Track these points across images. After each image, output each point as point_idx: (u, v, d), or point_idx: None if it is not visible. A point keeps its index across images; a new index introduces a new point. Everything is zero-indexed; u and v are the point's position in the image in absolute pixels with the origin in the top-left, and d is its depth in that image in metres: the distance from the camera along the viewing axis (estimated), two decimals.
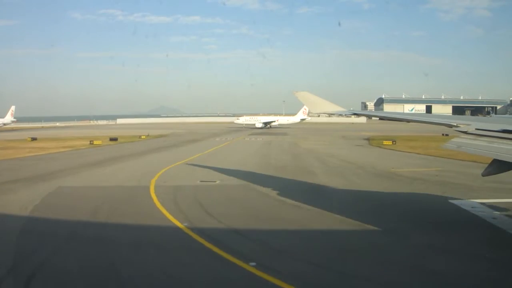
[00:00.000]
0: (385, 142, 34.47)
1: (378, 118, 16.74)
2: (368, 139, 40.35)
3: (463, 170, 18.52)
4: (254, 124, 61.71)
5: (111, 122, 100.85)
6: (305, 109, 68.71)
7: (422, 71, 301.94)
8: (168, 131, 57.85)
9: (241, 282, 6.62)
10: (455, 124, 8.24)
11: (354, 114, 15.96)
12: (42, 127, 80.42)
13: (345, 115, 15.40)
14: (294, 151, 29.95)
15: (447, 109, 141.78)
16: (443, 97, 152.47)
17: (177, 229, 9.32)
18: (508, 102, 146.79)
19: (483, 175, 7.61)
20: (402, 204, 12.39)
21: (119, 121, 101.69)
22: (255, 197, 13.22)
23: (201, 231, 9.04)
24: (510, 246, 8.33)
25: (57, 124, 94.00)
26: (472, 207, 11.15)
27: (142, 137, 46.81)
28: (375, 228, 9.43)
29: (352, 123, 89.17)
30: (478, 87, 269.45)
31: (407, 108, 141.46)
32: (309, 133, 51.81)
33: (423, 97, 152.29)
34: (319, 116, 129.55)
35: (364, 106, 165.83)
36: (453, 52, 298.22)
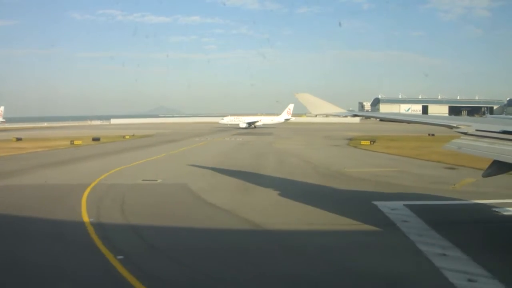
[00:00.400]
0: (362, 142, 34.72)
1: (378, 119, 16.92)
2: (350, 139, 40.59)
3: (417, 171, 18.89)
4: (238, 124, 62.20)
5: (105, 122, 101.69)
6: (289, 110, 69.19)
7: (422, 71, 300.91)
8: (156, 131, 58.59)
9: (97, 271, 7.15)
10: (455, 125, 8.23)
11: (355, 115, 15.99)
12: (35, 127, 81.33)
13: (345, 115, 15.51)
14: (263, 151, 30.45)
15: (444, 109, 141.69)
16: (439, 97, 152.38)
17: (80, 223, 9.92)
18: (505, 102, 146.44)
19: (484, 176, 7.54)
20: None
21: (113, 121, 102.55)
22: (182, 195, 13.72)
23: (99, 226, 9.63)
24: (372, 247, 8.43)
25: (46, 124, 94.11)
26: (392, 209, 11.13)
27: (126, 137, 47.44)
28: (271, 229, 9.77)
29: (347, 123, 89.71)
30: (477, 87, 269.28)
31: (403, 108, 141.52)
32: (294, 133, 52.31)
33: (420, 97, 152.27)
34: (316, 116, 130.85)
35: (361, 106, 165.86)
36: (452, 52, 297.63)
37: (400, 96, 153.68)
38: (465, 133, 7.76)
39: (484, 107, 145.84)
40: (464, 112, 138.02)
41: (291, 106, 69.39)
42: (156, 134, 53.89)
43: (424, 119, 11.00)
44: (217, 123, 67.41)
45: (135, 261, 7.47)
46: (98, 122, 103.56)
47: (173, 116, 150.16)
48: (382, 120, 18.13)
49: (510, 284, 6.26)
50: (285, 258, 7.85)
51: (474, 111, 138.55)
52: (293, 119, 70.24)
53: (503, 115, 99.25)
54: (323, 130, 58.26)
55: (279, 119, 68.62)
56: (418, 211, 10.91)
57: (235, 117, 66.08)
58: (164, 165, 22.63)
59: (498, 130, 7.27)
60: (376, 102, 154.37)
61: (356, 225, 9.89)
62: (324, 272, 7.11)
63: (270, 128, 62.20)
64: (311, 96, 11.30)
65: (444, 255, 7.56)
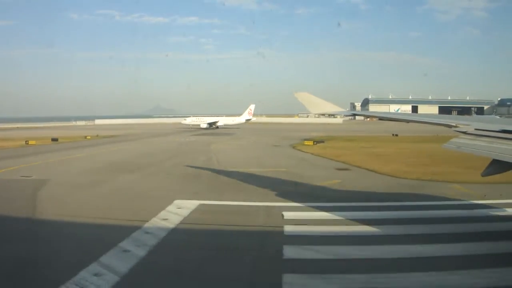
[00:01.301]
0: (306, 143, 34.73)
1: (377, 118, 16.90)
2: (304, 139, 40.09)
3: (302, 172, 18.85)
4: (199, 125, 62.44)
5: (89, 123, 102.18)
6: (250, 110, 69.55)
7: (420, 72, 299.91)
8: (127, 132, 58.85)
9: None
10: (454, 124, 8.23)
11: (354, 114, 16.08)
12: (12, 127, 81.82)
13: (345, 115, 15.42)
14: (189, 151, 30.72)
15: (434, 110, 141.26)
16: (430, 97, 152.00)
17: None
18: (496, 103, 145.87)
19: (483, 175, 7.43)
20: None
21: (98, 122, 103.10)
22: (30, 189, 14.34)
23: None
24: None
25: (23, 125, 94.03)
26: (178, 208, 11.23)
27: (87, 137, 47.66)
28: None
29: (331, 124, 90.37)
30: (476, 87, 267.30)
31: (393, 109, 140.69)
32: (253, 133, 52.30)
33: (410, 97, 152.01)
34: (307, 116, 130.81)
35: (353, 107, 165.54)
36: (449, 53, 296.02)
37: (390, 97, 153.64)
38: (465, 132, 7.71)
39: (474, 107, 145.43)
40: (454, 112, 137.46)
41: (252, 107, 70.48)
42: (124, 134, 54.03)
43: (423, 118, 10.85)
44: (180, 123, 67.77)
45: None
46: (82, 123, 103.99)
47: (167, 117, 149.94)
48: (381, 119, 18.07)
49: None
50: None
51: (464, 111, 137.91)
52: (254, 119, 70.72)
53: (492, 115, 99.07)
54: (290, 130, 58.20)
55: (240, 119, 69.26)
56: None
57: (197, 117, 66.50)
58: (71, 164, 23.23)
59: (497, 129, 7.25)
60: (365, 103, 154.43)
61: None
62: None
63: (233, 129, 62.26)
64: (311, 95, 11.22)
65: None
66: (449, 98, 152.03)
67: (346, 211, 10.90)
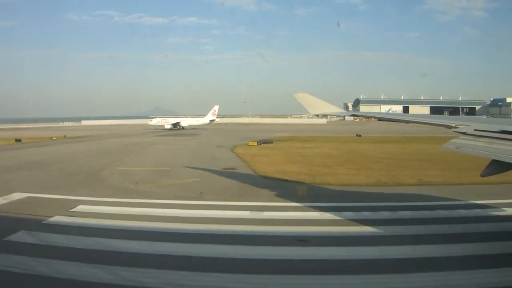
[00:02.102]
0: (250, 143, 34.90)
1: (377, 119, 17.03)
2: (258, 140, 39.99)
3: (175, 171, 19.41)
4: (164, 126, 62.60)
5: (76, 124, 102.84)
6: (214, 111, 69.84)
7: (419, 72, 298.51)
8: (99, 133, 59.16)
9: None
10: (453, 125, 8.22)
11: (353, 115, 16.05)
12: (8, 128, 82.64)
13: (344, 116, 15.39)
14: (121, 150, 31.18)
15: (425, 110, 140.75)
16: (422, 97, 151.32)
17: None
18: (489, 103, 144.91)
19: (482, 175, 7.42)
20: None
21: (84, 123, 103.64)
22: None
23: None
24: None
25: (9, 126, 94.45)
26: None
27: (53, 138, 48.03)
28: None
29: (316, 124, 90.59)
30: (474, 87, 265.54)
31: (384, 109, 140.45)
32: (215, 134, 52.27)
33: (402, 97, 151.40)
34: (301, 117, 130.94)
35: (346, 107, 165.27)
36: (450, 53, 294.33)
37: (382, 97, 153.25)
38: (464, 133, 7.73)
39: (466, 107, 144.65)
40: (446, 113, 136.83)
41: (216, 108, 70.91)
42: (91, 135, 54.22)
43: (422, 119, 10.80)
44: (147, 124, 68.00)
45: None
46: (69, 124, 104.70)
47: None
48: (380, 119, 18.82)
49: None
50: None
51: (456, 111, 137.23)
52: (218, 120, 71.10)
53: (484, 116, 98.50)
54: (259, 131, 58.05)
55: (205, 120, 69.79)
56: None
57: (162, 118, 66.77)
58: None
59: (497, 130, 7.28)
60: (356, 103, 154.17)
61: None
62: None
63: (201, 129, 62.29)
64: (310, 96, 11.17)
65: None
66: (441, 98, 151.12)
67: (143, 207, 11.59)
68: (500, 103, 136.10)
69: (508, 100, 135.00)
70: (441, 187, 14.38)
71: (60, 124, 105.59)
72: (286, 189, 14.01)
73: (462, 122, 8.31)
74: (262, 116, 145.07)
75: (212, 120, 69.50)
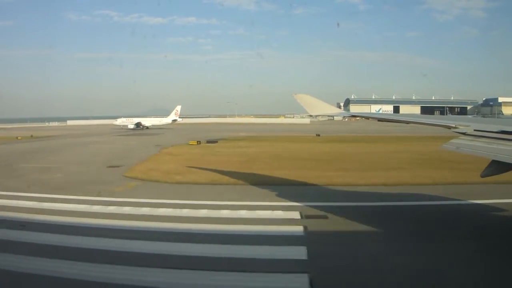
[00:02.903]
0: (190, 143, 35.23)
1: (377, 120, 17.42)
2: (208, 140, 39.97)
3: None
4: (127, 126, 63.10)
5: (62, 124, 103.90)
6: (177, 111, 70.27)
7: (419, 72, 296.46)
8: (70, 133, 59.74)
9: None
10: (453, 125, 8.21)
11: (353, 115, 16.55)
12: None
13: (344, 116, 15.48)
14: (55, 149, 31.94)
15: (416, 110, 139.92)
16: (413, 97, 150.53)
17: None
18: (481, 102, 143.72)
19: (482, 176, 7.41)
20: None
21: (69, 122, 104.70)
22: None
23: None
24: None
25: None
26: None
27: (18, 137, 48.63)
28: None
29: (295, 124, 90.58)
30: (474, 87, 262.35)
31: (374, 109, 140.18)
32: (174, 134, 52.54)
33: (394, 97, 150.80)
34: (293, 117, 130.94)
35: (338, 107, 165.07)
36: (449, 53, 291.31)
37: (373, 97, 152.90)
38: (464, 133, 7.73)
39: (457, 107, 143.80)
40: (437, 113, 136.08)
41: (178, 108, 71.65)
42: (62, 135, 54.58)
43: (422, 119, 10.77)
44: (112, 124, 68.69)
45: None
46: (55, 124, 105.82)
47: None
48: (380, 120, 18.46)
49: None
50: None
51: (445, 112, 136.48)
52: (180, 120, 71.62)
53: (473, 116, 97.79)
54: (225, 130, 58.27)
55: (167, 120, 70.57)
56: None
57: (127, 118, 67.38)
58: None
59: (496, 130, 7.31)
60: (347, 103, 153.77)
61: None
62: None
63: (165, 129, 62.63)
64: (310, 97, 11.19)
65: None
66: (433, 98, 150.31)
67: None
68: (491, 103, 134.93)
69: (500, 99, 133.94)
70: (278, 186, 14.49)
71: (46, 124, 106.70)
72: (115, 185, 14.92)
73: (462, 123, 8.27)
74: (257, 116, 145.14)
75: (175, 120, 70.20)
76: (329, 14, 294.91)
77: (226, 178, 15.94)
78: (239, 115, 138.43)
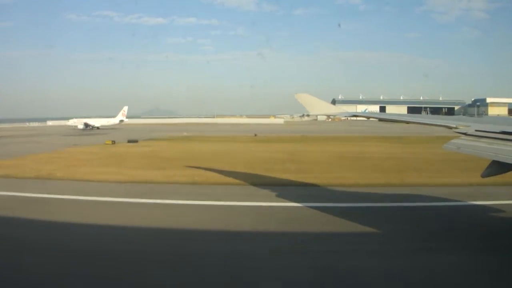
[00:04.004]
0: (106, 142, 35.37)
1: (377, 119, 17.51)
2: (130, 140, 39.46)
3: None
4: (77, 126, 63.58)
5: (41, 124, 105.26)
6: (124, 111, 70.78)
7: (420, 73, 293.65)
8: (34, 132, 60.27)
9: None
10: (454, 126, 8.15)
11: (354, 115, 16.80)
12: None
13: (344, 116, 15.66)
14: None
15: (403, 110, 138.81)
16: (401, 97, 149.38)
17: None
18: (470, 103, 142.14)
19: (483, 176, 7.42)
20: None
21: (49, 123, 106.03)
22: None
23: None
24: None
25: None
26: None
27: None
28: None
29: (269, 124, 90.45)
30: (474, 87, 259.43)
31: (360, 109, 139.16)
32: (114, 134, 52.16)
33: (381, 98, 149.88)
34: (291, 117, 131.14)
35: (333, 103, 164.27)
36: (448, 53, 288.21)
37: (360, 97, 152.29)
38: (465, 134, 7.68)
39: (445, 107, 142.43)
40: (425, 113, 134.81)
41: (125, 108, 72.23)
42: (20, 135, 54.86)
43: (423, 119, 10.73)
44: (66, 124, 69.49)
45: None
46: (35, 124, 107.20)
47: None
48: (380, 120, 18.28)
49: None
50: None
51: (435, 112, 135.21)
52: (126, 120, 72.34)
53: (460, 115, 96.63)
54: (170, 131, 58.14)
55: (115, 120, 71.12)
56: None
57: (78, 119, 67.89)
58: None
59: (497, 131, 7.24)
60: (333, 103, 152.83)
61: None
62: None
63: (113, 129, 62.64)
64: (311, 97, 11.06)
65: None
66: (421, 98, 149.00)
67: None
68: (478, 103, 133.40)
69: (488, 100, 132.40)
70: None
71: (27, 124, 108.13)
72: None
73: (462, 123, 8.20)
74: (249, 116, 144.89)
75: (122, 121, 70.83)
76: (329, 14, 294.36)
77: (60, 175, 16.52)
78: (233, 116, 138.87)
